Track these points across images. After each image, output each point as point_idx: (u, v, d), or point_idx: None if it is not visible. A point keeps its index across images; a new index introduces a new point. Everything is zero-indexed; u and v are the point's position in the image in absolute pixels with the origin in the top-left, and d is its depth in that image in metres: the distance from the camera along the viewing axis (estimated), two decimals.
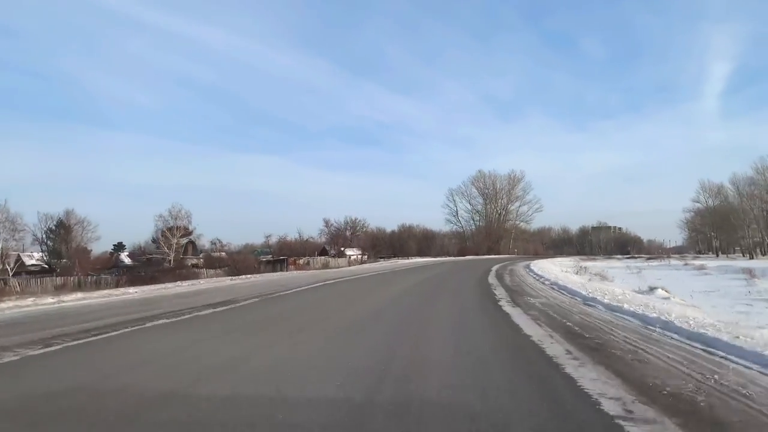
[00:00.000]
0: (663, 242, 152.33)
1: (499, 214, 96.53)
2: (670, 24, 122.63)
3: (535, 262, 47.35)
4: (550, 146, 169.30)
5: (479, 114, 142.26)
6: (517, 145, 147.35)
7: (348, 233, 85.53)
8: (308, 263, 47.49)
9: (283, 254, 57.17)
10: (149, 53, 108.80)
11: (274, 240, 68.14)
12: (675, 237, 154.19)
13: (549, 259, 61.49)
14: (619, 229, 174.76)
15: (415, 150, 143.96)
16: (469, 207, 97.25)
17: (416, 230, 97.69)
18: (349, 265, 49.13)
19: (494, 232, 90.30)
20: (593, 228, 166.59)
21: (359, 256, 77.47)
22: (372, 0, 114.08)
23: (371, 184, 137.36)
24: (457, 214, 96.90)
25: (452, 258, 66.15)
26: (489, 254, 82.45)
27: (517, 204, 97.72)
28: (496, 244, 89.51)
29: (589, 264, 48.14)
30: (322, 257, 55.58)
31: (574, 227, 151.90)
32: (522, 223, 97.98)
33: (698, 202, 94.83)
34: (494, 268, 32.79)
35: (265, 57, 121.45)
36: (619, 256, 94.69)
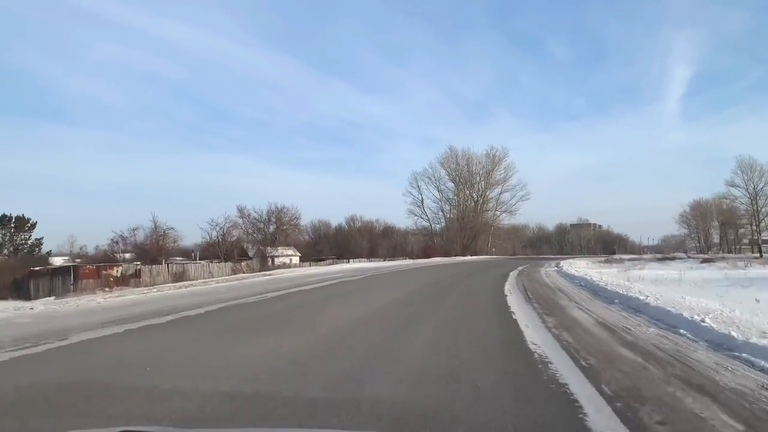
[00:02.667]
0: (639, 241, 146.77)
1: (476, 203, 75.49)
2: (633, 28, 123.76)
3: (547, 269, 26.30)
4: (519, 146, 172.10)
5: (448, 114, 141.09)
6: (486, 145, 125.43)
7: (271, 227, 62.67)
8: (134, 274, 24.77)
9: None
10: (113, 49, 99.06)
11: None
12: (651, 235, 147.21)
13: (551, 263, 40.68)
14: (600, 226, 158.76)
15: (385, 149, 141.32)
16: (438, 195, 75.88)
17: (372, 225, 75.80)
18: (234, 275, 26.69)
19: (469, 226, 68.88)
20: (572, 225, 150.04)
21: (290, 259, 55.78)
22: None
23: (341, 184, 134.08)
24: (423, 204, 75.34)
25: (410, 262, 43.98)
26: (464, 255, 61.06)
27: (497, 190, 76.97)
28: (472, 241, 68.31)
29: (612, 267, 27.32)
30: (196, 265, 32.74)
31: (549, 225, 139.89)
32: (505, 215, 77.09)
33: (734, 185, 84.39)
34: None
35: (233, 54, 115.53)
36: (622, 257, 74.81)
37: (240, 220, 61.32)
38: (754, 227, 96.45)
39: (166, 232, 34.06)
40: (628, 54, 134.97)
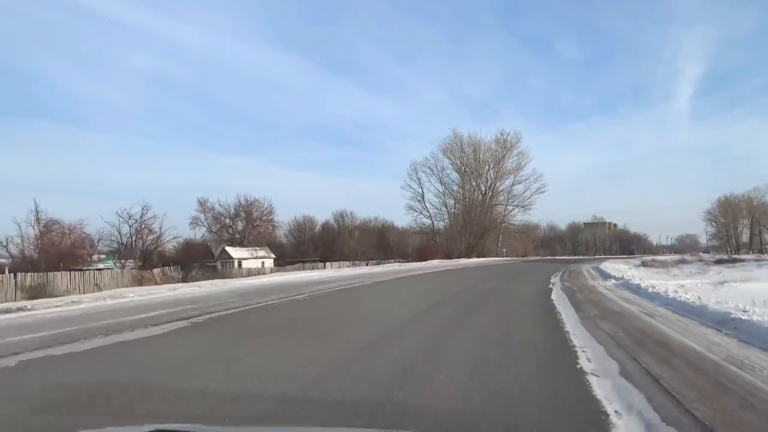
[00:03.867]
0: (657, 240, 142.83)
1: (484, 196, 65.03)
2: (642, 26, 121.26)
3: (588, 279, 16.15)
4: (527, 146, 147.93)
5: (456, 114, 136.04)
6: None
7: (239, 225, 52.68)
8: None
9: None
10: (121, 50, 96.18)
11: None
12: (665, 234, 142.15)
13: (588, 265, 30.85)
14: (615, 225, 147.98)
15: (393, 149, 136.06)
16: (441, 189, 65.41)
17: (366, 224, 65.61)
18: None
19: (476, 222, 58.34)
20: (586, 224, 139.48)
21: (262, 262, 46.48)
22: None
23: (347, 184, 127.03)
24: (423, 198, 64.91)
25: (397, 267, 33.85)
26: (469, 256, 50.69)
27: (509, 181, 66.46)
28: (479, 241, 57.81)
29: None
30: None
31: (561, 224, 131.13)
32: (517, 210, 66.58)
33: None
34: None
35: (239, 55, 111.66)
36: (655, 258, 63.93)
37: (201, 215, 51.61)
38: None
39: (49, 225, 23.90)
40: (637, 53, 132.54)
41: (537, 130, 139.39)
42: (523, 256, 76.92)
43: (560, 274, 24.06)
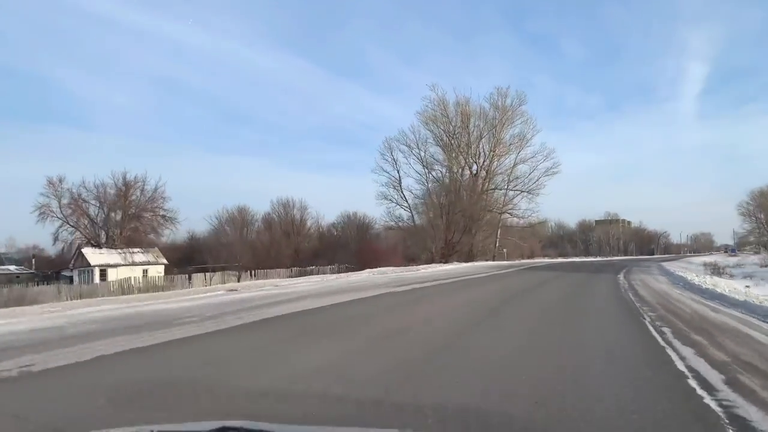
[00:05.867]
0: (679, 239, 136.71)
1: (475, 177, 48.04)
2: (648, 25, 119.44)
3: None
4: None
5: None
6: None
7: (118, 213, 36.00)
8: None
9: None
10: (128, 53, 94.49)
11: None
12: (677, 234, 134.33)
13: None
14: (629, 223, 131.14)
15: None
16: (422, 171, 48.13)
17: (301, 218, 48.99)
18: None
19: (459, 210, 40.19)
20: (598, 222, 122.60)
21: (144, 270, 30.48)
22: (353, 0, 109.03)
23: (354, 185, 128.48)
24: (401, 184, 47.63)
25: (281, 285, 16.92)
26: (447, 260, 33.76)
27: (510, 158, 49.47)
28: (465, 237, 40.11)
29: None
30: None
31: (570, 223, 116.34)
32: (522, 196, 49.57)
33: None
34: None
35: (245, 57, 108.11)
36: (716, 260, 46.75)
37: (54, 202, 35.01)
38: None
39: None
40: (643, 52, 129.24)
41: (544, 129, 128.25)
42: (529, 258, 60.26)
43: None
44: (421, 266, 27.46)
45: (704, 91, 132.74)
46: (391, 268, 25.30)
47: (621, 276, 19.98)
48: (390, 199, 46.92)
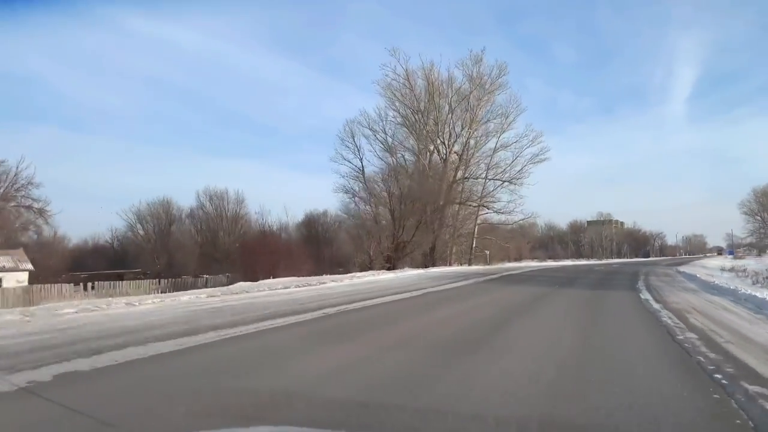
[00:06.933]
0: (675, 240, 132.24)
1: (445, 162, 39.42)
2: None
3: None
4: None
5: None
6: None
7: None
8: None
9: None
10: (118, 54, 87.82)
11: None
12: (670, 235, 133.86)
13: None
14: (622, 224, 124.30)
15: None
16: (388, 159, 39.09)
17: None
18: None
19: (418, 198, 30.92)
20: (589, 222, 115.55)
21: None
22: (346, 2, 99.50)
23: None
24: (364, 174, 38.05)
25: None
26: (391, 266, 25.06)
27: (490, 142, 41.13)
28: (426, 236, 30.96)
29: None
30: None
31: (561, 223, 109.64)
32: (505, 185, 40.99)
33: None
34: None
35: (238, 58, 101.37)
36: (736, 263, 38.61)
37: None
38: None
39: None
40: (634, 56, 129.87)
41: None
42: (516, 260, 52.38)
43: None
44: (348, 276, 18.84)
45: (694, 95, 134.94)
46: (292, 279, 16.62)
47: (650, 299, 11.46)
48: (352, 193, 37.54)
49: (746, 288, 13.00)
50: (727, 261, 46.86)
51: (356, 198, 31.60)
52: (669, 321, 7.57)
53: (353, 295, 11.26)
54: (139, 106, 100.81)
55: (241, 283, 15.67)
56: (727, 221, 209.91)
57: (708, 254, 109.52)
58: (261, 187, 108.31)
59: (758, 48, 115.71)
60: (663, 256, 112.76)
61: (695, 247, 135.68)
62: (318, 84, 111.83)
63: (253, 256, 22.14)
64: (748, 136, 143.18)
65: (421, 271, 23.94)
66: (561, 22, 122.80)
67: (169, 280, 24.98)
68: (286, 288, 13.20)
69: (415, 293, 12.17)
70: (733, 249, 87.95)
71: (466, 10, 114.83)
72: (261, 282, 15.88)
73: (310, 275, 20.47)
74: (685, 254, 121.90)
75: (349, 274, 19.16)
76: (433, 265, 29.87)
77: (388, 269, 24.65)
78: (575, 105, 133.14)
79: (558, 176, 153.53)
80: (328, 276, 19.03)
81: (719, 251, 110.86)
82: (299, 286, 13.89)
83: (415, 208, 28.68)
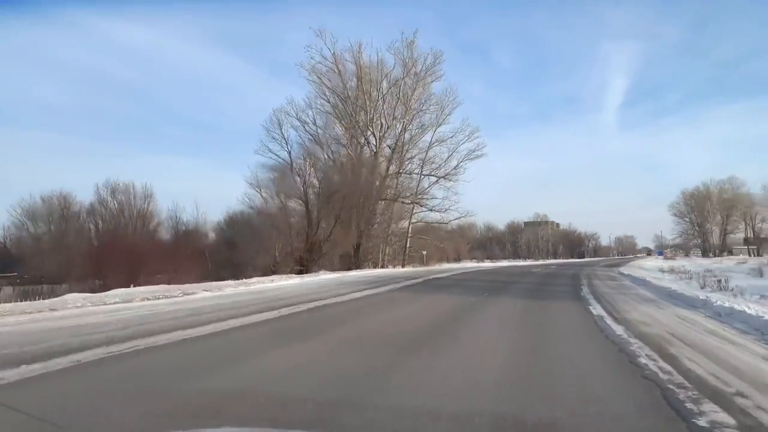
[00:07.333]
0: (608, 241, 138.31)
1: (375, 155, 36.14)
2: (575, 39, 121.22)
3: None
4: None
5: None
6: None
7: None
8: None
9: None
10: (53, 45, 79.77)
11: None
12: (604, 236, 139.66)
13: None
14: (557, 225, 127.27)
15: None
16: (317, 151, 34.83)
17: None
18: None
19: (342, 198, 27.54)
20: (527, 223, 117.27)
21: None
22: (289, 2, 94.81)
23: None
24: (293, 168, 31.90)
25: None
26: (309, 271, 21.32)
27: (426, 137, 38.39)
28: (347, 234, 27.37)
29: None
30: None
31: (500, 224, 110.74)
32: (440, 182, 38.30)
33: None
34: None
35: (181, 55, 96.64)
36: (680, 263, 37.68)
37: None
38: None
39: None
40: (571, 64, 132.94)
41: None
42: (455, 260, 50.55)
43: None
44: (234, 283, 14.92)
45: (625, 103, 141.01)
46: (146, 289, 12.55)
47: (604, 315, 8.52)
48: (258, 184, 33.36)
49: (707, 294, 10.50)
50: (659, 261, 46.82)
51: (262, 190, 27.24)
52: (652, 366, 4.46)
53: (179, 319, 7.45)
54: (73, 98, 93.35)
55: (72, 294, 11.48)
56: (655, 222, 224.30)
57: (638, 254, 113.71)
58: (193, 185, 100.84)
59: (681, 62, 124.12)
60: (597, 256, 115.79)
61: (626, 248, 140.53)
62: (256, 79, 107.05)
63: (108, 260, 17.66)
64: (674, 144, 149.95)
65: (337, 274, 20.38)
66: (500, 29, 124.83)
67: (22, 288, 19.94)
68: (105, 305, 9.21)
69: (291, 310, 8.57)
70: (662, 250, 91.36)
71: (406, 12, 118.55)
72: (110, 293, 11.75)
73: (202, 281, 16.46)
74: (618, 255, 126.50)
75: (234, 282, 15.21)
76: (357, 267, 26.40)
77: (299, 272, 20.92)
78: (514, 110, 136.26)
79: (497, 179, 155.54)
80: (214, 283, 14.99)
81: (648, 252, 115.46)
82: (128, 302, 9.90)
83: (337, 203, 25.03)
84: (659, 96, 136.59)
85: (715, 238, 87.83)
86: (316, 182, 26.09)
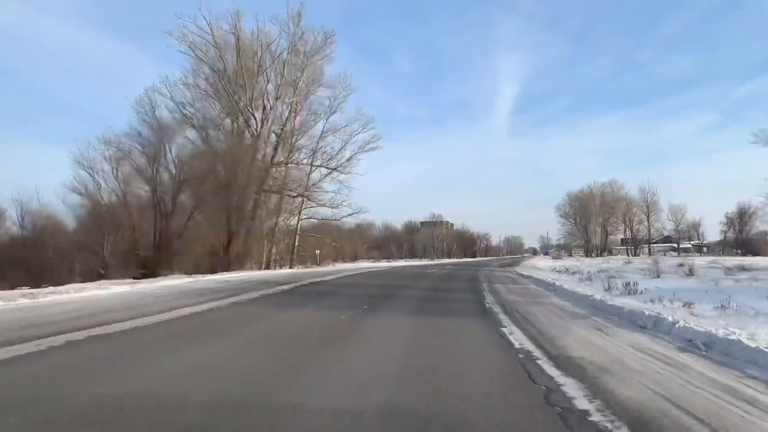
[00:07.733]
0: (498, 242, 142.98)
1: (255, 140, 31.82)
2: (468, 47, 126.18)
3: None
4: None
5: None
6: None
7: None
8: None
9: None
10: None
11: None
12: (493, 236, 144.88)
13: None
14: (452, 225, 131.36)
15: None
16: (195, 138, 29.65)
17: None
18: None
19: (225, 187, 22.79)
20: (423, 223, 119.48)
21: None
22: None
23: None
24: (167, 155, 27.00)
25: None
26: (156, 275, 16.74)
27: (318, 125, 34.97)
28: (218, 230, 23.13)
29: None
30: None
31: (397, 224, 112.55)
32: (331, 177, 35.11)
33: None
34: None
35: (63, 39, 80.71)
36: (565, 261, 37.86)
37: None
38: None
39: None
40: (464, 72, 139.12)
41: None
42: (351, 260, 48.54)
43: None
44: (30, 293, 10.21)
45: (514, 111, 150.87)
46: None
47: (530, 347, 5.67)
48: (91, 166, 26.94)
49: (657, 310, 8.22)
50: (549, 261, 47.82)
51: (96, 172, 21.77)
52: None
53: None
54: None
55: None
56: (541, 224, 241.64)
57: (525, 254, 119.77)
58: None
59: (564, 74, 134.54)
60: (488, 256, 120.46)
61: (514, 248, 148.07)
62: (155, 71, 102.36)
63: None
64: (558, 150, 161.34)
65: (189, 279, 16.03)
66: (399, 34, 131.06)
67: None
68: None
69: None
70: (547, 250, 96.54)
71: (310, 10, 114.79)
72: None
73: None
74: (507, 254, 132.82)
75: (69, 287, 10.50)
76: (227, 269, 22.06)
77: (143, 276, 16.30)
78: (412, 114, 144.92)
79: (396, 179, 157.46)
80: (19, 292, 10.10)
81: (534, 252, 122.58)
82: None
83: (199, 191, 20.51)
84: (545, 104, 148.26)
85: (597, 239, 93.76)
86: (173, 169, 21.11)
